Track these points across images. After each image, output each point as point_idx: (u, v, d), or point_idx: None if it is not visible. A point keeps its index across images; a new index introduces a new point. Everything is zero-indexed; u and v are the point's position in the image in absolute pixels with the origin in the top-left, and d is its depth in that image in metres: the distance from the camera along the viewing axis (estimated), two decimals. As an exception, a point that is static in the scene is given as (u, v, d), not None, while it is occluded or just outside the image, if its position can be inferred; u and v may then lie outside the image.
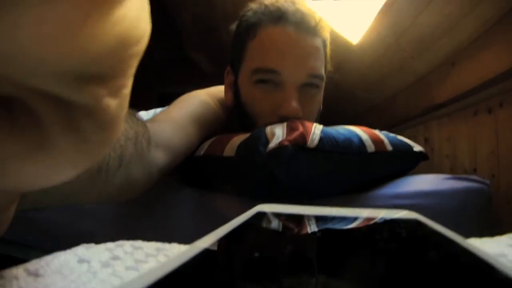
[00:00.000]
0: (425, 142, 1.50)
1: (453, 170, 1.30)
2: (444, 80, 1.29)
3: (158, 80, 4.68)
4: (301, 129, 0.60)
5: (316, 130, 0.62)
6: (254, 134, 0.63)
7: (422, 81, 1.44)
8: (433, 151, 1.42)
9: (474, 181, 0.69)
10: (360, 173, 0.66)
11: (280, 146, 0.57)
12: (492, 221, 0.68)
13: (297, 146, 0.57)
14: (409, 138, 0.82)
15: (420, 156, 0.78)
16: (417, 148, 0.77)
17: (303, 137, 0.59)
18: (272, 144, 0.58)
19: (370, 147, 0.65)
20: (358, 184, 0.68)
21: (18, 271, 0.23)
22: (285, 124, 0.64)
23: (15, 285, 0.21)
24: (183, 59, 4.33)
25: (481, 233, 0.41)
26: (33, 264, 0.24)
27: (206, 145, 0.69)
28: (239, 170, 0.63)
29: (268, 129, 0.63)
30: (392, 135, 0.75)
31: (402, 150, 0.73)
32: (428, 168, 0.88)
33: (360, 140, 0.65)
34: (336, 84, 1.70)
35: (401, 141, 0.75)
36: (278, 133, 0.60)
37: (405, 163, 0.76)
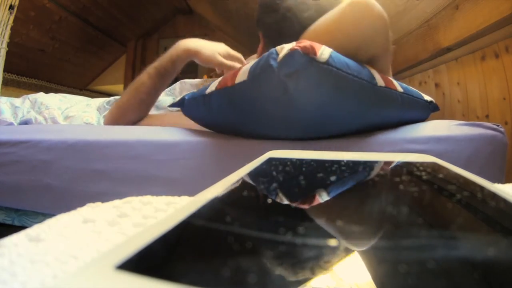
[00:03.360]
0: (435, 87, 1.48)
1: (465, 116, 1.29)
2: (449, 23, 1.27)
3: (164, 34, 4.64)
4: (309, 43, 0.58)
5: (325, 49, 0.59)
6: (264, 55, 0.61)
7: (428, 24, 1.42)
8: (444, 96, 1.41)
9: (488, 127, 0.66)
10: (370, 103, 0.64)
11: (291, 51, 0.55)
12: (505, 169, 0.67)
13: (307, 56, 0.55)
14: (419, 83, 0.82)
15: (431, 106, 0.78)
16: (427, 97, 0.77)
17: (312, 48, 0.57)
18: (282, 53, 0.56)
19: (380, 81, 0.64)
20: (370, 122, 0.66)
21: (19, 237, 0.21)
22: (294, 42, 0.61)
23: (14, 252, 0.19)
24: (187, 11, 4.27)
25: (494, 181, 0.39)
26: (34, 229, 0.22)
27: (218, 80, 0.67)
28: (252, 93, 0.60)
29: (278, 46, 0.60)
30: (399, 81, 0.74)
31: (412, 95, 0.72)
32: (440, 113, 0.87)
33: (369, 72, 0.63)
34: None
35: (411, 88, 0.75)
36: (287, 47, 0.58)
37: (416, 110, 0.74)
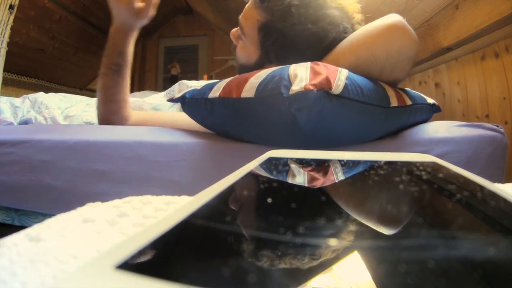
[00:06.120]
0: (435, 87, 1.48)
1: (465, 116, 1.29)
2: (449, 23, 1.27)
3: (164, 34, 4.64)
4: (325, 73, 0.57)
5: (341, 75, 0.59)
6: (275, 73, 0.59)
7: (428, 23, 1.42)
8: (444, 95, 1.41)
9: (488, 128, 0.67)
10: (381, 125, 0.65)
11: (305, 90, 0.53)
12: (504, 169, 0.67)
13: (321, 91, 0.54)
14: (419, 83, 0.83)
15: (433, 108, 0.79)
16: (430, 100, 0.78)
17: (328, 81, 0.55)
18: (296, 86, 0.54)
19: (393, 100, 0.64)
20: (378, 136, 0.66)
21: (19, 237, 0.21)
22: (308, 64, 0.60)
23: (14, 252, 0.19)
24: (187, 11, 4.27)
25: (494, 181, 0.39)
26: (34, 229, 0.22)
27: (222, 85, 0.65)
28: (258, 112, 0.60)
29: (291, 69, 0.59)
30: (406, 88, 0.75)
31: (419, 103, 0.73)
32: (440, 113, 0.87)
33: (384, 92, 0.63)
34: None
35: (415, 93, 0.76)
36: (301, 75, 0.57)
37: (420, 115, 0.75)
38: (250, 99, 0.59)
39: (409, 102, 0.68)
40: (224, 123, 0.67)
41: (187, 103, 0.72)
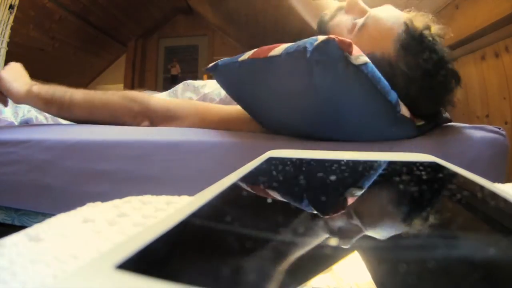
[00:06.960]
0: (435, 86, 1.48)
1: (465, 116, 1.29)
2: (449, 22, 1.27)
3: (164, 34, 4.64)
4: (350, 41, 0.57)
5: (364, 57, 0.58)
6: (306, 39, 0.61)
7: (428, 23, 1.42)
8: (444, 95, 1.41)
9: (490, 130, 0.66)
10: (387, 125, 0.63)
11: (328, 39, 0.55)
12: (506, 171, 0.67)
13: (342, 51, 0.55)
14: None
15: (445, 121, 0.78)
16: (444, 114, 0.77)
17: (351, 47, 0.56)
18: (321, 39, 0.56)
19: (404, 111, 0.62)
20: (382, 138, 0.65)
21: (19, 236, 0.21)
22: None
23: (14, 252, 0.19)
24: (188, 11, 4.28)
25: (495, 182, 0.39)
26: (34, 229, 0.22)
27: (253, 50, 0.66)
28: (280, 69, 0.61)
29: (320, 36, 0.60)
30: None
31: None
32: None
33: (397, 99, 0.62)
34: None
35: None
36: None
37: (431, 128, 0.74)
38: (275, 56, 0.61)
39: (420, 123, 0.67)
40: (247, 83, 0.69)
41: (219, 70, 0.73)
